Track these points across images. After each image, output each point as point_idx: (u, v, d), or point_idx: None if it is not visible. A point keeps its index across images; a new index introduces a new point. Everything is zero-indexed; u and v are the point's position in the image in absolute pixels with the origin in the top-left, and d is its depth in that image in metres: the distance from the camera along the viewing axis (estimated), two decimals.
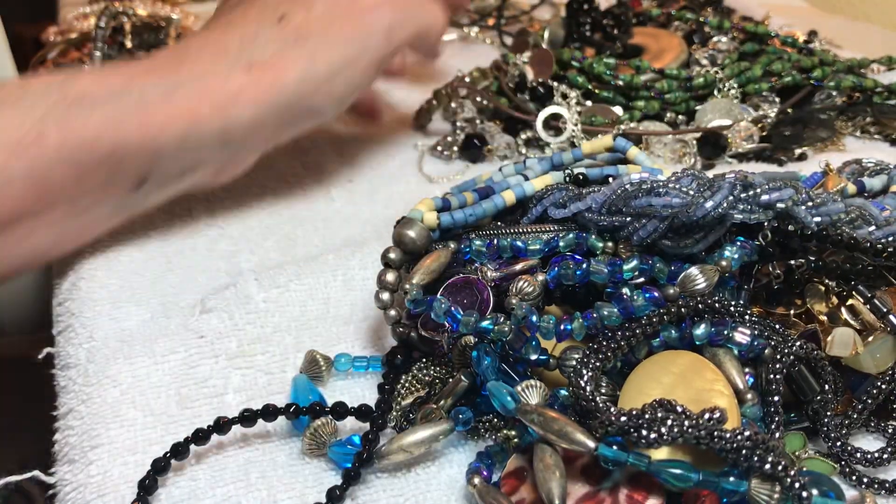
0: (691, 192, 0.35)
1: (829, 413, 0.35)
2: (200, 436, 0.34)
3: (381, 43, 0.48)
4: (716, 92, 0.63)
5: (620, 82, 0.63)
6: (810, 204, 0.36)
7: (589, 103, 0.64)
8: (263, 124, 0.44)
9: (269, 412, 0.35)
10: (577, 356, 0.34)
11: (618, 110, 0.63)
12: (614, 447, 0.30)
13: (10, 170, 0.37)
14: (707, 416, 0.29)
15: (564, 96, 0.63)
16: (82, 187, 0.40)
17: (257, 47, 0.43)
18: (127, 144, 0.40)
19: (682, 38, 0.71)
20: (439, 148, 0.62)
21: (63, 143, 0.38)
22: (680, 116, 0.62)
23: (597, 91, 0.64)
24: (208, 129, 0.42)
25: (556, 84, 0.64)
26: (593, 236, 0.38)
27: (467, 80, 0.68)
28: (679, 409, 0.30)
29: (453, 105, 0.65)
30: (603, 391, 0.34)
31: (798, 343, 0.34)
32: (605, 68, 0.63)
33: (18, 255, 0.40)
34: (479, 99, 0.65)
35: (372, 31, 0.47)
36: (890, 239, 0.37)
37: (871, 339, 0.36)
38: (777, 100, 0.63)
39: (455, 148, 0.62)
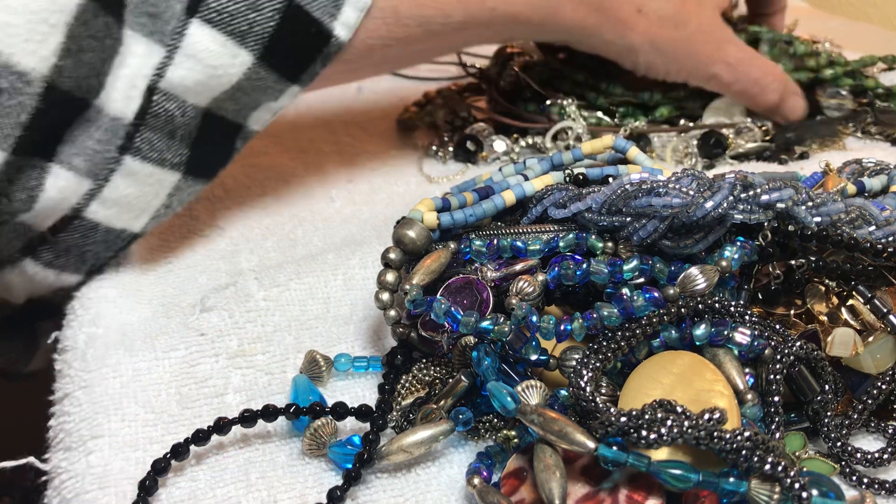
0: (691, 193, 0.35)
1: (829, 413, 0.35)
2: (200, 436, 0.34)
3: (702, 79, 0.60)
4: None
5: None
6: (810, 204, 0.36)
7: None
8: (598, 38, 0.58)
9: (269, 412, 0.35)
10: (577, 356, 0.34)
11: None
12: (614, 447, 0.30)
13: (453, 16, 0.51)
14: (707, 416, 0.29)
15: (562, 108, 0.62)
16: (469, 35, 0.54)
17: (651, 2, 0.57)
18: (525, 21, 0.54)
19: None
20: (433, 148, 0.62)
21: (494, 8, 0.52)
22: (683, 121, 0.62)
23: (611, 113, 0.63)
24: (584, 28, 0.57)
25: (558, 99, 0.63)
26: (593, 236, 0.38)
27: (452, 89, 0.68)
28: (679, 409, 0.30)
29: (438, 116, 0.65)
30: (603, 391, 0.34)
31: (798, 343, 0.34)
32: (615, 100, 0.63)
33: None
34: (464, 114, 0.65)
35: (708, 72, 0.60)
36: (890, 239, 0.37)
37: (871, 339, 0.36)
38: None
39: (450, 148, 0.62)
